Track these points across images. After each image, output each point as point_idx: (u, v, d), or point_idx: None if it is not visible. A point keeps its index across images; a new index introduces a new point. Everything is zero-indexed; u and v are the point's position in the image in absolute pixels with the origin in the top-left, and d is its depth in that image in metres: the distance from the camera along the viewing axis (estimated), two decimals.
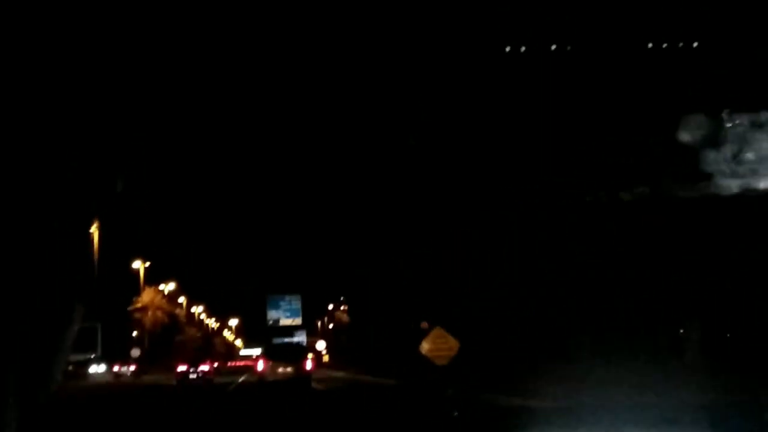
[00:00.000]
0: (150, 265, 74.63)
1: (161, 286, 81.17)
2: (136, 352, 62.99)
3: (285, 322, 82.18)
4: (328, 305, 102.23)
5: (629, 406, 15.58)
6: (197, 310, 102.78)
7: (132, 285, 72.72)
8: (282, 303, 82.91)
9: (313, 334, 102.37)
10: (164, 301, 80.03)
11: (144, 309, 76.31)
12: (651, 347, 27.29)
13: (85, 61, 4.77)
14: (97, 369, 59.67)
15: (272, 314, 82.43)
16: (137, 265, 71.72)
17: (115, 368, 58.83)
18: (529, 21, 11.56)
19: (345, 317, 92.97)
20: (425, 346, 22.64)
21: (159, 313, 77.97)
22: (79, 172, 4.56)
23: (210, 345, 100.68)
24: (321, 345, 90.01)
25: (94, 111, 4.81)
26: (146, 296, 76.77)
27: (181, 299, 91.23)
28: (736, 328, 30.03)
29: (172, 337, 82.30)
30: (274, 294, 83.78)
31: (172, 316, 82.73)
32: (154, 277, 77.82)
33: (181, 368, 50.08)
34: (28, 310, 4.30)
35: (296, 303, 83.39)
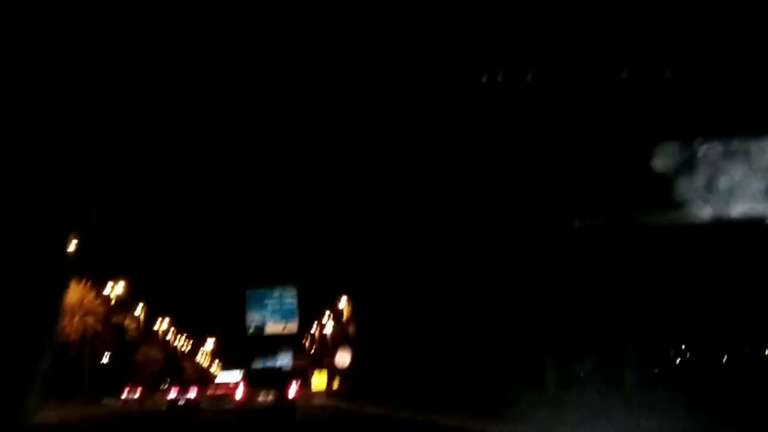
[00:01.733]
0: (80, 249, 43.16)
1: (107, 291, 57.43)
2: None
3: (274, 329, 55.75)
4: (324, 309, 70.73)
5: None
6: (161, 327, 79.11)
7: None
8: (269, 301, 55.72)
9: (301, 353, 77.22)
10: (99, 304, 56.45)
11: (66, 314, 49.46)
12: (631, 371, 27.38)
13: (76, 70, 4.80)
14: None
15: (254, 317, 55.57)
16: None
17: (123, 395, 64.14)
18: (506, 51, 11.69)
19: (351, 328, 63.39)
20: None
21: (90, 320, 54.74)
22: (74, 181, 4.57)
23: (177, 369, 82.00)
24: (344, 358, 56.65)
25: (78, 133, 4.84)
26: (71, 295, 52.28)
27: (138, 312, 67.81)
28: (719, 353, 30.12)
29: (125, 356, 63.98)
30: (257, 287, 56.02)
31: (118, 330, 60.78)
32: (95, 276, 53.90)
33: (172, 395, 55.06)
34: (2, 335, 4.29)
35: (290, 299, 55.97)
